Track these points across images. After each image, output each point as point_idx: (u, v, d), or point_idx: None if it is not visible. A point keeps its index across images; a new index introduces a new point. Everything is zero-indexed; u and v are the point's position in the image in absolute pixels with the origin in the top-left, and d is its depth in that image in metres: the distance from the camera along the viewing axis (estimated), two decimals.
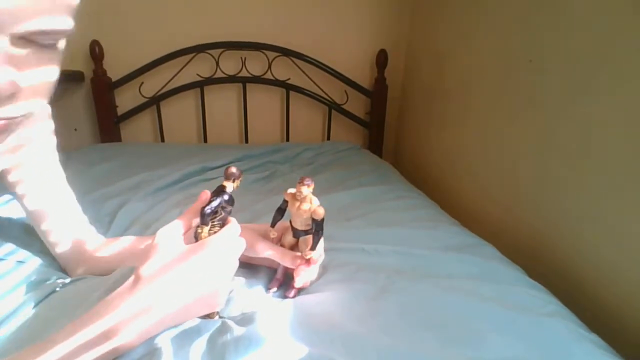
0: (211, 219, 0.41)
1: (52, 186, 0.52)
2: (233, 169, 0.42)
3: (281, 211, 0.51)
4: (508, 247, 0.72)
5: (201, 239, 0.41)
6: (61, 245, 0.53)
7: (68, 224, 0.54)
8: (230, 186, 0.42)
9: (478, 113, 1.00)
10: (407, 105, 1.49)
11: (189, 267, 0.38)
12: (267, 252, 0.50)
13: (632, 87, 0.58)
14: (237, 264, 0.43)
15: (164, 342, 0.38)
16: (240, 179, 0.43)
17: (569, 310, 0.53)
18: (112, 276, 0.47)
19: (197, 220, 0.41)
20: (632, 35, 0.58)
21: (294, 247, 0.52)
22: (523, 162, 0.82)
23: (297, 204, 0.48)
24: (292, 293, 0.52)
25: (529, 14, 0.81)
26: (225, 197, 0.41)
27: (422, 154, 1.35)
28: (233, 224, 0.42)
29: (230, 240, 0.41)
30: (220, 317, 0.45)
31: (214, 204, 0.40)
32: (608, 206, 0.63)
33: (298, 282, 0.50)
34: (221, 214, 0.41)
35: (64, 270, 0.56)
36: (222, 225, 0.42)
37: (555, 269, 0.73)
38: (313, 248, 0.48)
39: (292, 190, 0.49)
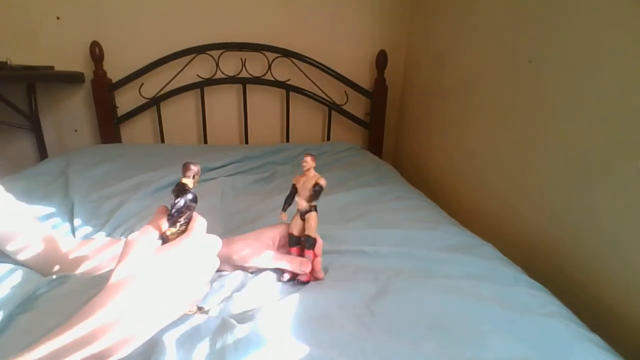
0: (178, 219, 0.40)
1: (4, 208, 0.51)
2: (192, 165, 0.41)
3: (291, 196, 0.56)
4: (508, 247, 0.72)
5: (169, 240, 0.40)
6: (34, 251, 0.53)
7: (35, 235, 0.54)
8: (190, 183, 0.41)
9: (478, 113, 1.00)
10: (407, 105, 1.50)
11: (162, 266, 0.37)
12: (278, 262, 0.54)
13: (632, 87, 0.58)
14: (217, 260, 0.43)
15: (164, 341, 0.38)
16: (199, 174, 0.42)
17: (569, 310, 0.53)
18: (106, 274, 0.47)
19: (165, 224, 0.40)
20: (632, 34, 0.58)
21: (302, 230, 0.55)
22: (522, 162, 0.82)
23: (303, 179, 0.54)
24: (306, 278, 0.55)
25: (529, 14, 0.81)
26: (190, 196, 0.40)
27: (422, 154, 1.35)
28: (199, 221, 0.42)
29: (201, 236, 0.41)
30: (199, 310, 0.45)
31: (180, 203, 0.40)
32: (608, 206, 0.63)
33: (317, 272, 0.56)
34: (186, 212, 0.41)
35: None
36: (187, 224, 0.41)
37: (555, 269, 0.73)
38: (314, 198, 0.54)
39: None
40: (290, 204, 0.56)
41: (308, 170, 0.53)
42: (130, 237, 0.38)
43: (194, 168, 0.42)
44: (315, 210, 0.54)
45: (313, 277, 0.56)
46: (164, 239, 0.40)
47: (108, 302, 0.34)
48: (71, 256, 0.55)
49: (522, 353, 0.43)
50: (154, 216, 0.41)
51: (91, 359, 0.32)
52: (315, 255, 0.55)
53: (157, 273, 0.37)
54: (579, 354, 0.44)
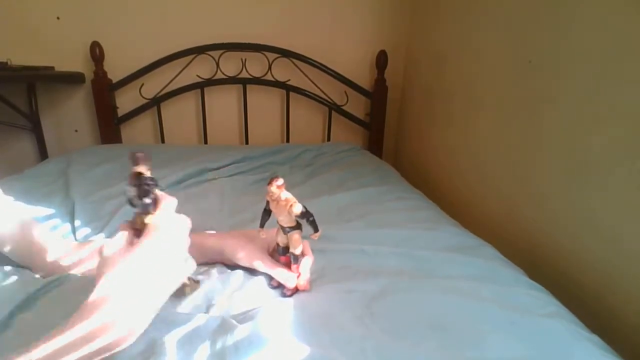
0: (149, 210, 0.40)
1: (3, 210, 0.52)
2: (137, 153, 0.40)
3: (267, 212, 0.52)
4: (508, 247, 0.72)
5: (145, 227, 0.40)
6: (33, 252, 0.53)
7: (34, 236, 0.54)
8: (143, 169, 0.41)
9: (478, 114, 1.00)
10: (407, 106, 1.50)
11: (142, 252, 0.38)
12: (261, 266, 0.54)
13: (632, 87, 0.58)
14: (188, 239, 0.42)
15: (165, 342, 0.38)
16: (145, 160, 0.41)
17: (569, 310, 0.53)
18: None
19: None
20: (632, 34, 0.58)
21: (286, 242, 0.53)
22: (522, 161, 0.82)
23: (275, 203, 0.49)
24: (289, 292, 0.53)
25: (529, 14, 0.81)
26: (148, 180, 0.40)
27: (422, 154, 1.35)
28: (168, 200, 0.41)
29: (170, 215, 0.41)
30: (192, 282, 0.45)
31: (148, 201, 0.40)
32: (608, 206, 0.63)
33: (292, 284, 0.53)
34: (152, 195, 0.41)
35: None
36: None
37: (555, 269, 0.73)
38: (316, 230, 0.50)
39: None
40: (267, 220, 0.52)
41: (275, 199, 0.49)
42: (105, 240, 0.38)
43: (140, 155, 0.40)
44: (298, 228, 0.51)
45: (296, 289, 0.54)
46: (138, 227, 0.40)
47: (102, 304, 0.34)
48: (70, 257, 0.55)
49: (522, 353, 0.43)
50: (122, 229, 0.40)
51: (94, 354, 0.32)
52: (299, 273, 0.53)
53: (134, 270, 0.37)
54: (579, 354, 0.44)
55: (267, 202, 0.51)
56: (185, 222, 0.43)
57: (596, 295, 0.65)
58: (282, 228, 0.51)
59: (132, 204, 0.40)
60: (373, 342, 0.43)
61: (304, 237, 0.52)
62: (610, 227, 0.62)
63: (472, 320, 0.48)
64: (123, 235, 0.39)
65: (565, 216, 0.71)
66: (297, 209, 0.48)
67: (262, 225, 0.52)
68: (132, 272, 0.36)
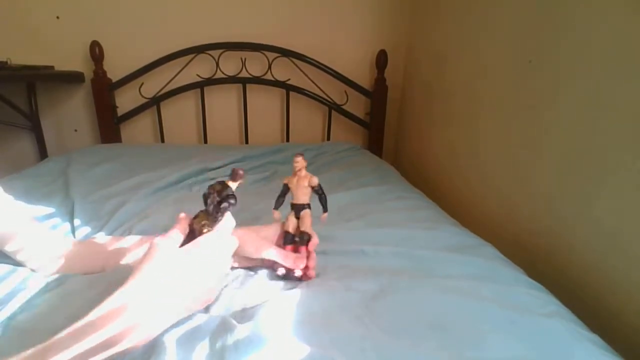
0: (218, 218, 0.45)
1: (3, 209, 0.52)
2: (240, 171, 0.47)
3: (283, 193, 0.58)
4: (508, 247, 0.72)
5: (201, 234, 0.43)
6: (34, 251, 0.53)
7: (34, 235, 0.54)
8: (234, 186, 0.47)
9: (478, 113, 1.00)
10: (407, 105, 1.50)
11: (184, 264, 0.39)
12: (270, 254, 0.54)
13: (632, 87, 0.58)
14: (230, 261, 0.45)
15: (165, 341, 0.38)
16: (243, 179, 0.48)
17: (568, 310, 0.53)
18: (107, 274, 0.47)
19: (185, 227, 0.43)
20: (632, 34, 0.58)
21: (297, 228, 0.57)
22: (523, 161, 0.82)
23: (296, 179, 0.56)
24: (301, 275, 0.55)
25: (529, 14, 0.81)
26: (232, 200, 0.46)
27: (422, 154, 1.35)
28: (229, 221, 0.45)
29: (224, 234, 0.44)
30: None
31: (224, 205, 0.45)
32: (608, 206, 0.63)
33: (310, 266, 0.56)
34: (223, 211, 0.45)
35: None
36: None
37: (555, 269, 0.73)
38: (325, 210, 0.57)
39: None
40: (281, 203, 0.57)
41: (299, 170, 0.55)
42: (156, 240, 0.40)
43: (241, 173, 0.47)
44: (309, 207, 0.56)
45: (306, 274, 0.55)
46: (196, 232, 0.43)
47: (123, 299, 0.35)
48: (70, 256, 0.55)
49: (522, 353, 0.43)
50: (179, 223, 0.43)
51: (99, 347, 0.33)
52: (309, 252, 0.56)
53: (176, 268, 0.39)
54: (579, 354, 0.44)
55: (284, 186, 0.57)
56: (233, 244, 0.45)
57: (596, 295, 0.65)
58: (295, 207, 0.56)
59: (205, 202, 0.45)
60: (373, 341, 0.43)
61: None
62: (610, 227, 0.62)
63: (472, 320, 0.48)
64: (177, 235, 0.42)
65: (565, 216, 0.71)
66: (316, 180, 0.56)
67: (276, 208, 0.57)
68: (167, 277, 0.38)
